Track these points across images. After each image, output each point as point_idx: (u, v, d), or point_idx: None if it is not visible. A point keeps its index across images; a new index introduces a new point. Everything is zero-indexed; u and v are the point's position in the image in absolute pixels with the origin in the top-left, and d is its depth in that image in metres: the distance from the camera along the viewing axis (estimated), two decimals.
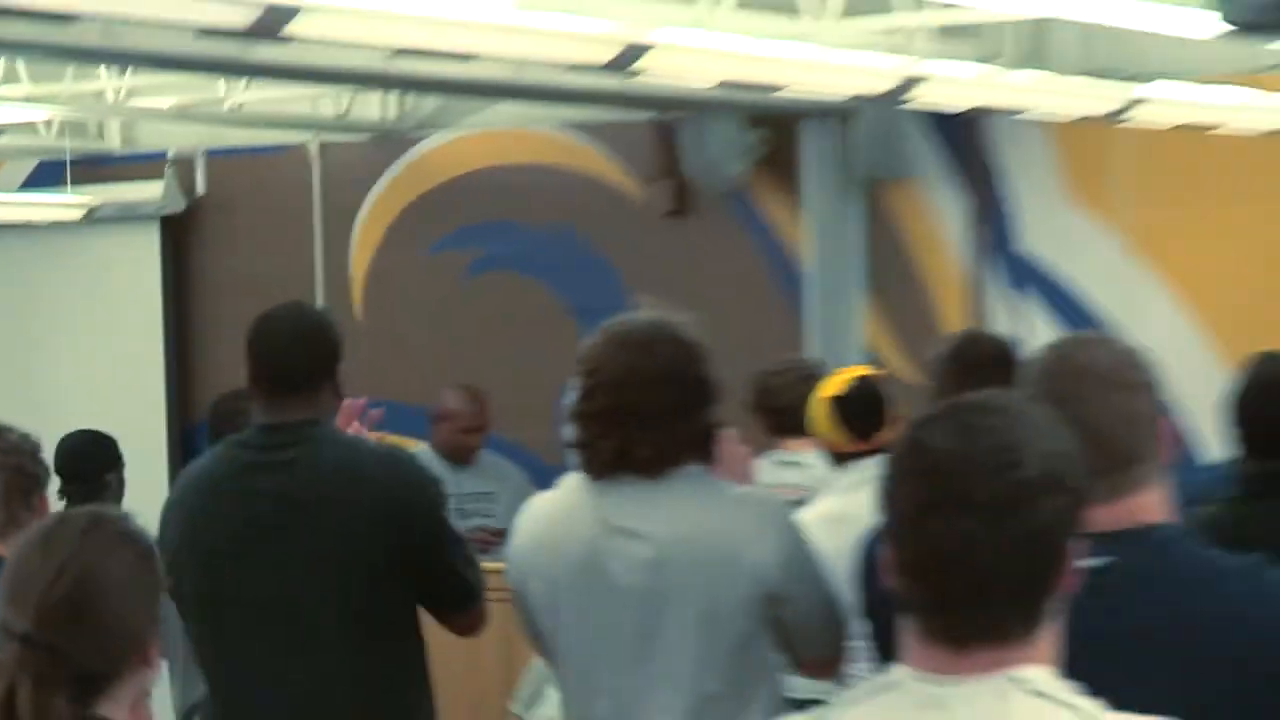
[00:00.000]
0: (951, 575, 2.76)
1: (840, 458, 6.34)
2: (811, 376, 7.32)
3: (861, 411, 6.26)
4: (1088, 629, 2.94)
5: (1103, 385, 3.59)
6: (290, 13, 7.01)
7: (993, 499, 2.74)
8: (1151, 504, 3.55)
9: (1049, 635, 2.80)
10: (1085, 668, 2.82)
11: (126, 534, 3.33)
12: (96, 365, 12.50)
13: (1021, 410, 2.89)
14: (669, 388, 4.80)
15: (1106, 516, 3.29)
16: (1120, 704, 2.78)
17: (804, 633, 4.90)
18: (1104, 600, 3.17)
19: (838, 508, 5.91)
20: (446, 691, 5.61)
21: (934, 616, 2.78)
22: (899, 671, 2.81)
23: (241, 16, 7.03)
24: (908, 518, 2.79)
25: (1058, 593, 2.79)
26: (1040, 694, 2.73)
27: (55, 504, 7.59)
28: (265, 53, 8.15)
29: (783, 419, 7.40)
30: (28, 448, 5.07)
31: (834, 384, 6.43)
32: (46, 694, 3.17)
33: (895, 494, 2.82)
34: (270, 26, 7.07)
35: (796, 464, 7.36)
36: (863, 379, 6.44)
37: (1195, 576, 3.51)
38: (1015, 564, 2.75)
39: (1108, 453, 3.43)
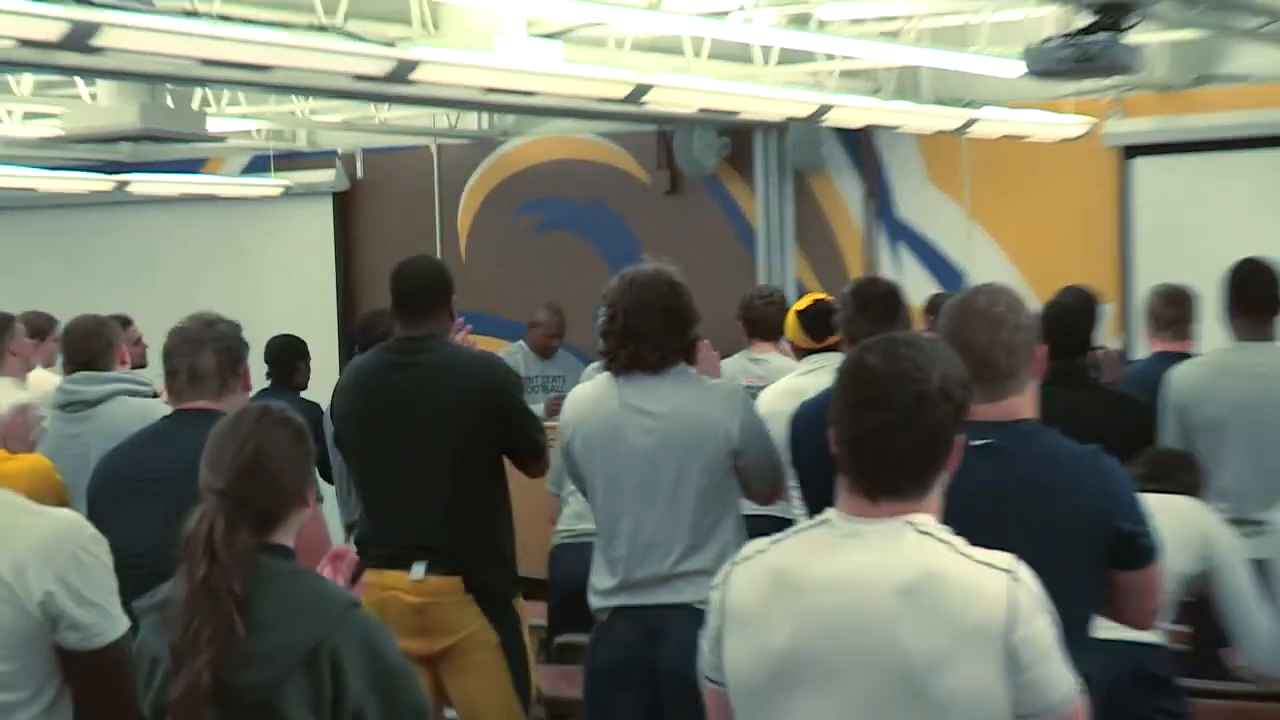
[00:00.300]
0: (873, 450, 2.78)
1: (800, 352, 6.36)
2: (776, 301, 7.61)
3: (816, 321, 6.19)
4: (966, 488, 2.89)
5: (990, 323, 3.51)
6: (413, 65, 7.09)
7: (904, 402, 2.76)
8: (1021, 406, 3.50)
9: (936, 495, 2.82)
10: (960, 517, 2.81)
11: (285, 420, 3.27)
12: (292, 293, 12.37)
13: (931, 344, 2.89)
14: (663, 314, 4.84)
15: (990, 412, 3.34)
16: (982, 544, 2.76)
17: (754, 475, 4.92)
18: (979, 469, 3.08)
19: (795, 385, 5.93)
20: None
21: (858, 478, 2.79)
22: (830, 513, 2.82)
23: (380, 68, 7.12)
24: (847, 409, 2.80)
25: (944, 467, 2.82)
26: (925, 533, 2.74)
27: (263, 381, 8.59)
28: (401, 88, 7.95)
29: (755, 328, 7.50)
30: (233, 332, 4.62)
31: (801, 303, 6.47)
32: (233, 529, 3.09)
33: (840, 393, 2.83)
34: (402, 72, 7.16)
35: (761, 360, 7.37)
36: (818, 300, 6.42)
37: (1047, 456, 3.45)
38: (916, 446, 2.78)
39: (991, 371, 3.41)
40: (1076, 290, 6.87)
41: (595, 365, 9.16)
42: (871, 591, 2.69)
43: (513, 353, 9.73)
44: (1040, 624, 2.69)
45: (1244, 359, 5.74)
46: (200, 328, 4.57)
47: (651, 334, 4.82)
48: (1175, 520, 4.29)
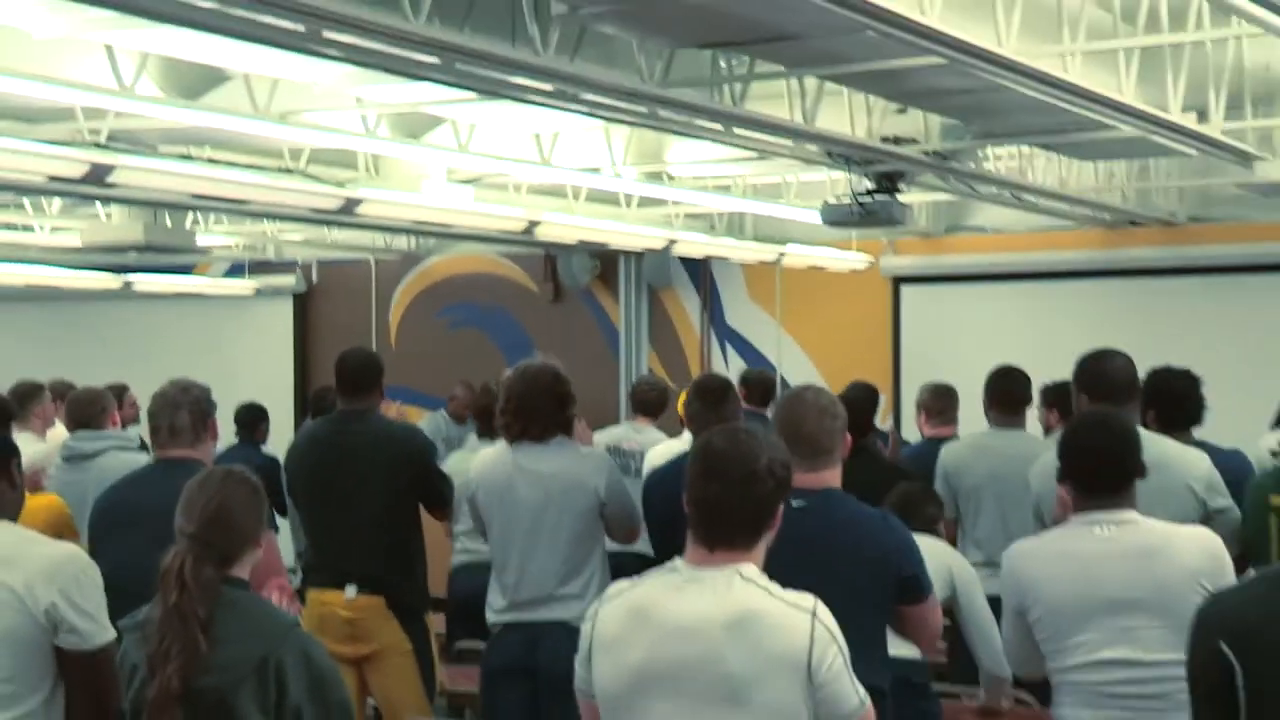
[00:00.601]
0: (711, 512, 2.74)
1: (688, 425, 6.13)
2: (658, 388, 7.63)
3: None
4: (789, 538, 2.89)
5: (817, 412, 3.52)
6: (358, 202, 7.10)
7: (738, 476, 2.73)
8: (833, 478, 3.50)
9: (761, 549, 2.77)
10: (783, 560, 2.81)
11: (244, 480, 3.19)
12: (259, 370, 12.11)
13: (764, 435, 2.87)
14: (547, 398, 4.80)
15: (810, 481, 3.36)
16: (796, 586, 2.73)
17: (616, 521, 4.88)
18: (800, 525, 3.07)
19: (677, 447, 5.95)
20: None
21: (700, 532, 2.75)
22: (678, 561, 2.77)
23: (333, 203, 7.20)
24: (696, 478, 2.77)
25: (768, 528, 2.78)
26: (749, 579, 2.71)
27: (232, 438, 8.48)
28: (348, 217, 7.81)
29: (640, 406, 7.44)
30: (203, 394, 4.46)
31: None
32: (200, 565, 3.02)
33: (691, 465, 2.80)
34: (350, 208, 7.25)
35: (641, 430, 7.31)
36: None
37: (849, 517, 3.45)
38: (745, 511, 2.74)
39: (815, 449, 3.43)
40: (863, 384, 6.93)
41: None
42: (706, 624, 2.67)
43: (435, 419, 9.57)
44: (833, 652, 2.68)
45: (997, 441, 5.72)
46: (177, 392, 4.48)
47: (538, 413, 4.79)
48: (929, 558, 4.25)
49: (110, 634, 3.19)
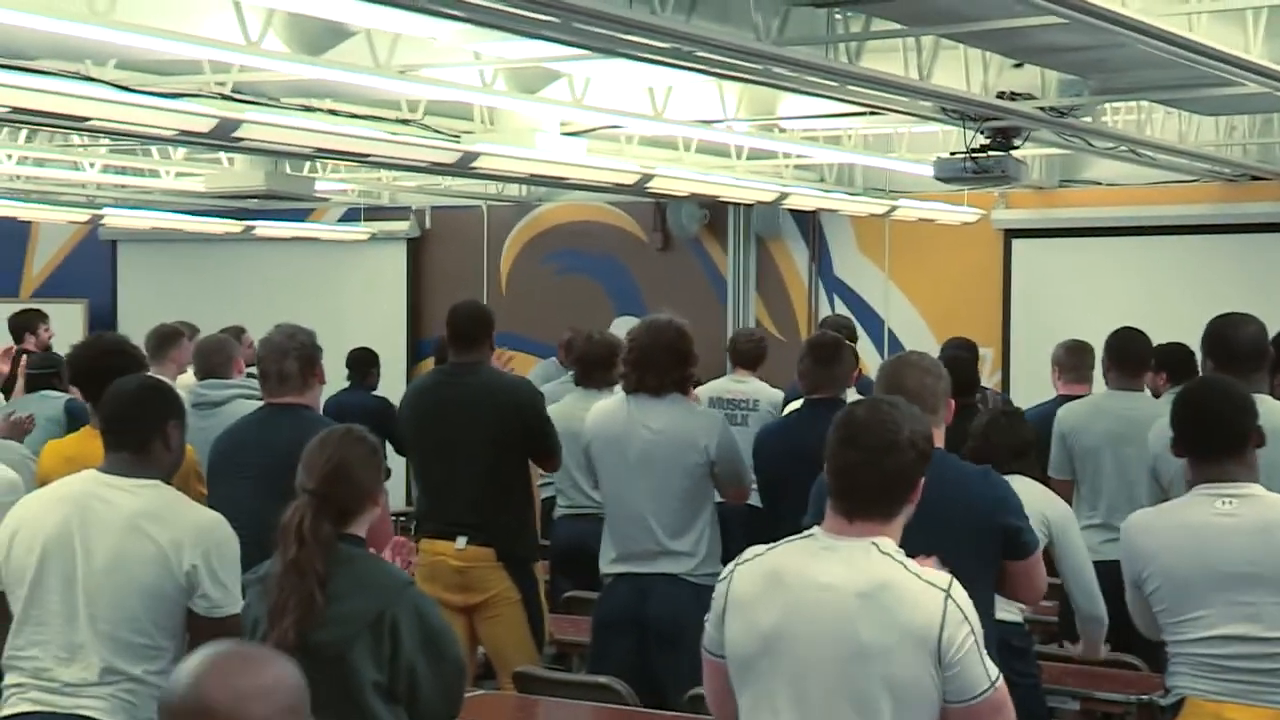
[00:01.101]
0: (850, 481, 2.72)
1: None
2: (756, 340, 7.51)
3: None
4: None
5: (920, 372, 3.55)
6: (475, 156, 7.10)
7: (878, 445, 2.71)
8: (939, 437, 3.40)
9: (899, 522, 2.75)
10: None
11: (363, 439, 3.16)
12: (373, 315, 12.18)
13: (904, 406, 2.84)
14: (669, 353, 4.82)
15: None
16: (909, 546, 2.72)
17: (726, 480, 4.90)
18: None
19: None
20: None
21: (839, 501, 2.72)
22: (816, 529, 2.76)
23: (450, 158, 7.13)
24: (836, 446, 2.75)
25: (907, 501, 2.75)
26: (885, 553, 2.69)
27: (344, 382, 8.45)
28: (458, 171, 7.79)
29: (740, 358, 7.32)
30: (310, 340, 4.48)
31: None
32: (318, 521, 3.02)
33: (832, 434, 2.77)
34: (466, 162, 7.22)
35: (742, 381, 7.21)
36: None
37: (953, 475, 3.40)
38: (885, 481, 2.71)
39: (921, 407, 3.20)
40: (961, 340, 7.12)
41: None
42: (840, 593, 2.66)
43: (546, 366, 9.47)
44: (964, 632, 2.63)
45: (1116, 403, 5.61)
46: (284, 338, 4.50)
47: (657, 366, 4.81)
48: (1024, 499, 4.30)
49: (239, 605, 3.24)
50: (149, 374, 4.47)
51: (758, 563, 2.79)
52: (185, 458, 4.99)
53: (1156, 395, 5.91)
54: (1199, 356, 4.41)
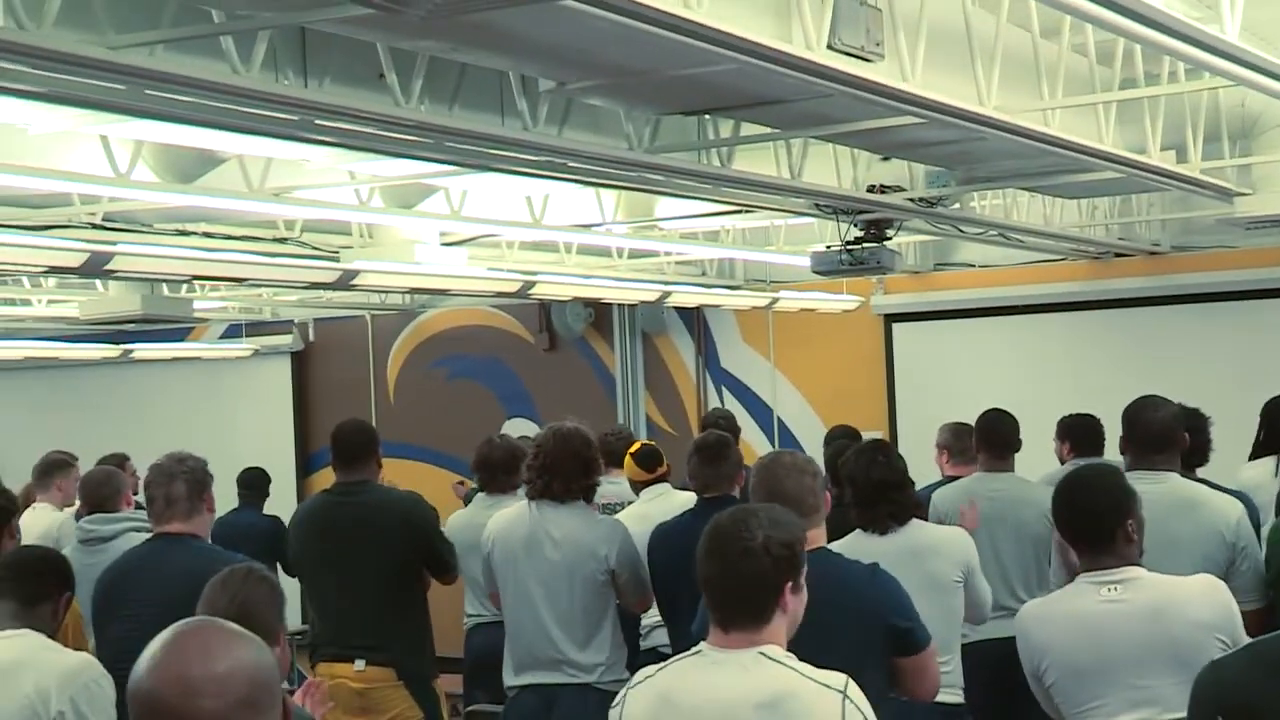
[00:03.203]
0: (715, 591, 2.74)
1: (637, 485, 6.27)
2: (624, 437, 7.17)
3: (645, 460, 6.23)
4: None
5: (795, 472, 3.56)
6: (354, 274, 7.13)
7: (733, 553, 2.72)
8: (819, 536, 3.53)
9: (778, 628, 2.72)
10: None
11: (264, 578, 3.16)
12: (259, 431, 12.14)
13: (769, 510, 2.85)
14: (575, 461, 4.87)
15: None
16: (797, 647, 2.72)
17: (627, 590, 4.93)
18: None
19: (641, 511, 5.90)
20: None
21: (712, 612, 2.75)
22: (703, 645, 2.76)
23: (329, 276, 7.08)
24: (701, 558, 2.77)
25: (775, 606, 2.71)
26: (775, 660, 2.68)
27: (234, 502, 8.45)
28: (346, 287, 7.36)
29: (609, 457, 7.22)
30: (200, 465, 4.46)
31: (633, 447, 6.39)
32: None
33: (700, 547, 2.78)
34: (346, 280, 7.11)
35: (615, 482, 6.92)
36: (644, 444, 6.46)
37: (840, 573, 3.47)
38: (744, 589, 2.71)
39: (801, 509, 3.35)
40: (846, 429, 7.23)
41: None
42: (737, 705, 2.63)
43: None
44: None
45: (985, 485, 5.71)
46: (173, 463, 4.47)
47: (563, 473, 4.83)
48: (953, 547, 4.47)
49: None
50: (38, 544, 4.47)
51: (648, 685, 2.78)
52: (71, 615, 5.00)
53: (1062, 463, 6.00)
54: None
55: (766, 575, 2.71)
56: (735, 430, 7.80)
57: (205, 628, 1.87)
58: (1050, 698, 3.52)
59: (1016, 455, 5.92)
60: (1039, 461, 6.53)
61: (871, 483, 4.42)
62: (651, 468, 6.16)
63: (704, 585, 2.75)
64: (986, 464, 5.84)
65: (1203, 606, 3.36)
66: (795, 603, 2.77)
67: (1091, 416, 6.00)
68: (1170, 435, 4.39)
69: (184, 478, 4.46)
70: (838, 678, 2.66)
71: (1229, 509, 4.25)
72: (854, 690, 2.66)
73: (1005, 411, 5.93)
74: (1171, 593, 3.41)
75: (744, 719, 2.62)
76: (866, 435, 7.46)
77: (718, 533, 2.77)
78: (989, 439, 5.83)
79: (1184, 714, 3.10)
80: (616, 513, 6.71)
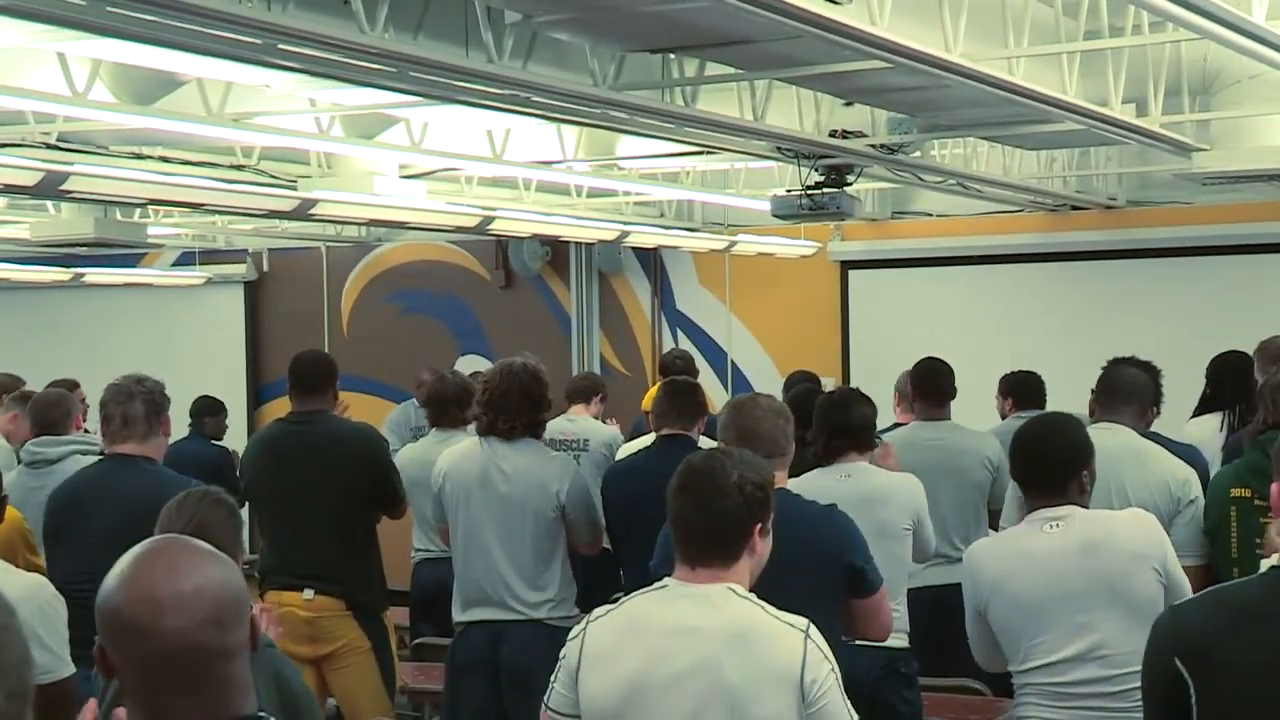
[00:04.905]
0: (684, 528, 2.78)
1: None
2: (586, 375, 7.91)
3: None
4: None
5: (771, 414, 3.64)
6: (313, 203, 7.00)
7: (706, 490, 2.76)
8: (782, 478, 3.59)
9: (743, 568, 2.77)
10: None
11: (221, 500, 3.15)
12: (211, 361, 11.99)
13: (741, 454, 2.88)
14: (521, 396, 4.85)
15: None
16: (765, 586, 2.77)
17: (576, 528, 4.91)
18: None
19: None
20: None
21: (680, 547, 2.79)
22: (669, 579, 2.80)
23: (287, 205, 6.96)
24: (673, 494, 2.81)
25: (743, 546, 2.76)
26: (743, 597, 2.74)
27: (184, 431, 8.25)
28: (303, 217, 7.40)
29: (571, 396, 7.47)
30: (158, 388, 4.44)
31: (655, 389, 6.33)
32: None
33: (671, 484, 2.83)
34: (304, 209, 7.03)
35: (575, 420, 7.32)
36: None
37: (799, 514, 3.47)
38: (714, 526, 2.75)
39: (772, 449, 3.50)
40: (806, 374, 7.36)
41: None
42: (706, 636, 2.68)
43: (405, 409, 9.34)
44: (825, 670, 2.69)
45: (925, 434, 5.76)
46: (131, 383, 4.45)
47: (510, 409, 4.84)
48: (902, 491, 4.54)
49: (69, 669, 3.17)
50: None
51: (612, 616, 2.81)
52: (18, 525, 4.93)
53: (1004, 417, 6.10)
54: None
55: (739, 514, 2.75)
56: (694, 372, 7.96)
57: (174, 545, 1.86)
58: (991, 637, 3.59)
59: (972, 406, 5.99)
60: (990, 412, 6.63)
61: (852, 426, 4.53)
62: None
63: (673, 522, 2.78)
64: (923, 412, 5.89)
65: (1133, 536, 3.47)
66: (762, 545, 2.81)
67: (1033, 373, 6.09)
68: (1134, 393, 4.50)
69: (142, 398, 4.44)
70: (800, 620, 2.71)
71: (1178, 468, 4.34)
72: (814, 632, 2.71)
73: (940, 360, 5.98)
74: (1104, 526, 3.53)
75: (714, 648, 2.67)
76: (823, 381, 7.70)
77: (691, 470, 2.79)
78: (924, 387, 5.89)
79: (1122, 648, 3.29)
80: (579, 452, 6.88)
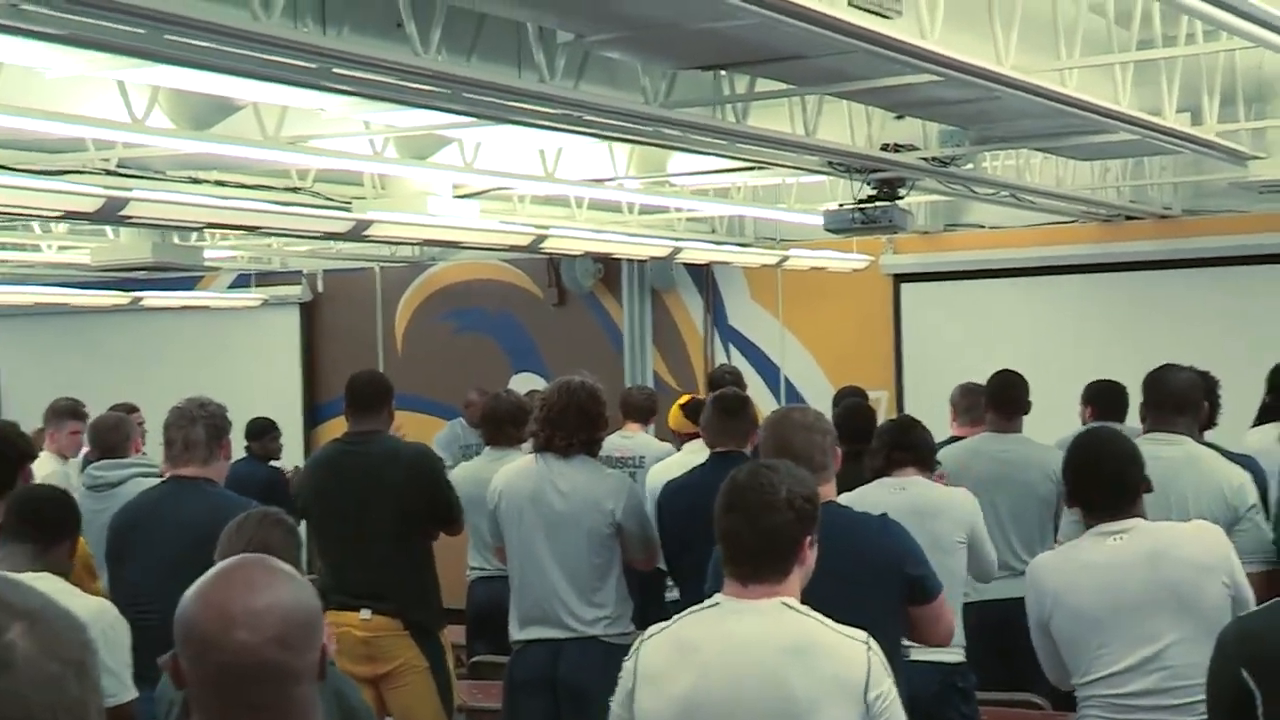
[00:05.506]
0: (736, 545, 2.75)
1: (681, 437, 6.38)
2: (646, 394, 7.67)
3: (693, 412, 6.21)
4: None
5: (805, 430, 3.55)
6: (367, 224, 6.98)
7: (755, 506, 2.73)
8: (830, 491, 3.49)
9: (794, 582, 2.74)
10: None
11: (280, 520, 3.17)
12: (267, 382, 11.97)
13: (784, 468, 2.84)
14: (579, 414, 4.83)
15: None
16: (811, 600, 2.74)
17: (632, 545, 4.90)
18: None
19: (683, 460, 5.93)
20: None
21: (730, 566, 2.75)
22: (719, 596, 2.77)
23: (342, 227, 7.12)
24: (720, 513, 2.78)
25: (795, 560, 2.74)
26: (799, 611, 2.71)
27: (242, 452, 8.19)
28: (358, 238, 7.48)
29: (627, 411, 7.42)
30: (220, 411, 4.46)
31: (682, 399, 6.48)
32: None
33: (718, 502, 2.80)
34: (359, 230, 7.08)
35: (628, 437, 7.27)
36: (693, 397, 6.55)
37: (851, 526, 3.46)
38: (764, 542, 2.72)
39: (810, 466, 3.29)
40: (854, 388, 7.28)
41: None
42: (765, 647, 2.66)
43: (453, 427, 9.36)
44: (887, 684, 2.68)
45: (993, 446, 5.72)
46: (194, 407, 4.47)
47: (567, 426, 4.83)
48: (953, 508, 4.52)
49: (131, 693, 3.20)
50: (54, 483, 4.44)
51: (665, 635, 2.78)
52: (79, 556, 5.01)
53: (1084, 425, 5.86)
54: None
55: (789, 528, 2.74)
56: (742, 386, 7.86)
57: (255, 563, 1.89)
58: (1056, 650, 3.56)
59: (1026, 418, 5.92)
60: (1045, 423, 6.56)
61: (914, 442, 4.58)
62: (697, 419, 6.02)
63: (723, 539, 2.76)
64: (994, 424, 5.85)
65: (1196, 548, 3.45)
66: (810, 556, 2.80)
67: (1117, 383, 5.98)
68: (1187, 399, 4.47)
69: (204, 422, 4.46)
70: (860, 632, 2.69)
71: (1233, 474, 4.32)
72: (875, 644, 2.70)
73: (1016, 373, 5.94)
74: (1167, 537, 3.51)
75: (770, 662, 2.65)
76: (873, 395, 7.68)
77: (738, 487, 2.77)
78: (998, 400, 5.84)
79: (1187, 659, 3.24)
80: (635, 469, 6.85)
